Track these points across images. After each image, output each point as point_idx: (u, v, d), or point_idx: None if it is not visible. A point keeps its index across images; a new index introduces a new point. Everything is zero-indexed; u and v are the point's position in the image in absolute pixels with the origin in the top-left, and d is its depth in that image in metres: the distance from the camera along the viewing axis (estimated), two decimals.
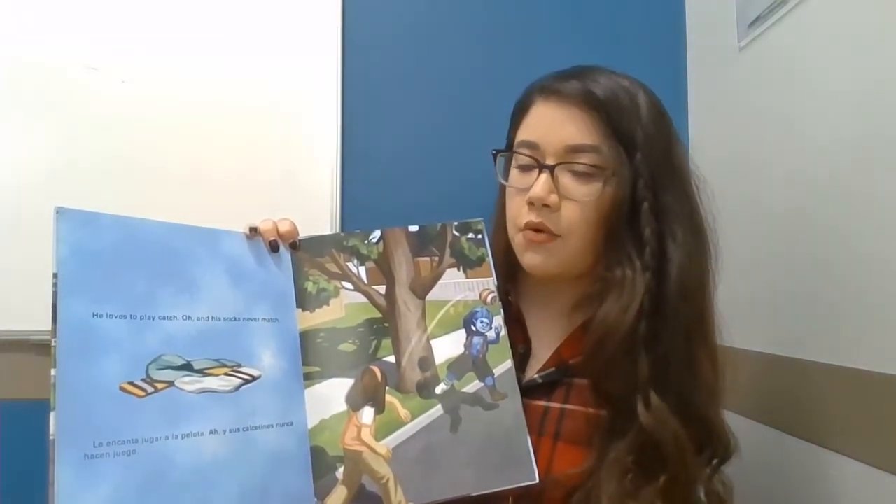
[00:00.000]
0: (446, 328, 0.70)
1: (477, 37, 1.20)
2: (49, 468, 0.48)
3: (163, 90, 1.07)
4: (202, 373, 0.59)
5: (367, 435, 0.65)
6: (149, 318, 0.57)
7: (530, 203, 0.69)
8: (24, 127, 1.02)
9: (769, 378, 0.93)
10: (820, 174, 0.83)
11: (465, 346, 0.70)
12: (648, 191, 0.68)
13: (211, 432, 0.57)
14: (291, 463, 0.62)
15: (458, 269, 0.73)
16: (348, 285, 0.70)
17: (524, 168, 0.72)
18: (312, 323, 0.68)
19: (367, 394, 0.66)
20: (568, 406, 0.70)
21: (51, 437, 0.48)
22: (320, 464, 0.63)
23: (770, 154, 0.95)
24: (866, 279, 0.74)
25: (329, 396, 0.65)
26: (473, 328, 0.71)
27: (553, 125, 0.69)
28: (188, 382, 0.57)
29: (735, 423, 0.72)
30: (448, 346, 0.70)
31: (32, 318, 0.93)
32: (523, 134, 0.73)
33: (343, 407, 0.65)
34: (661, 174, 0.69)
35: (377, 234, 0.73)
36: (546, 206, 0.68)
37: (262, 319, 0.65)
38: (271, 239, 0.68)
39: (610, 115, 0.67)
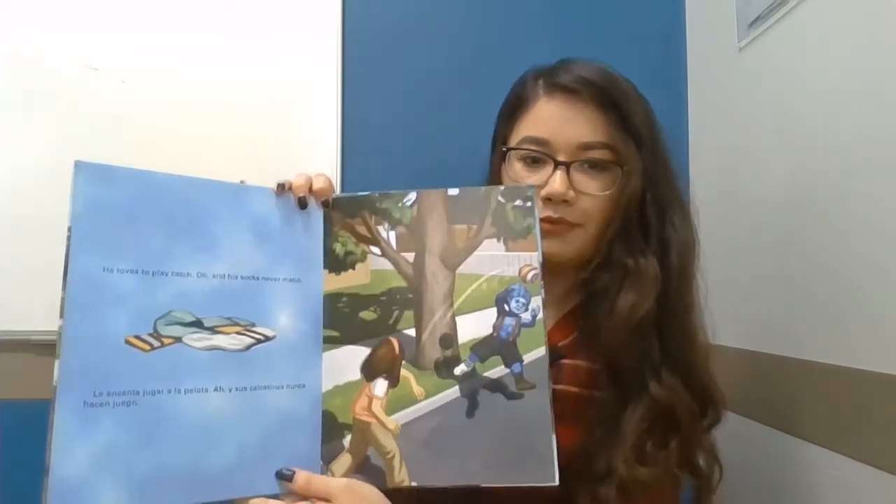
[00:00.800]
0: (475, 305, 0.65)
1: (476, 33, 1.20)
2: (49, 414, 0.51)
3: (163, 90, 1.07)
4: (212, 330, 0.59)
5: (377, 407, 0.63)
6: (161, 273, 0.58)
7: (547, 199, 0.71)
8: (24, 127, 1.03)
9: (766, 377, 0.93)
10: (819, 174, 0.83)
11: (495, 326, 0.64)
12: (651, 181, 0.73)
13: (216, 389, 0.58)
14: (301, 425, 0.62)
15: (498, 241, 0.66)
16: (376, 250, 0.67)
17: (531, 163, 0.75)
18: (336, 286, 0.66)
19: (382, 365, 0.64)
20: (558, 387, 0.68)
21: (53, 384, 0.52)
22: (329, 429, 0.62)
23: (769, 154, 0.95)
24: (866, 279, 0.74)
25: (344, 363, 0.64)
26: (507, 308, 0.64)
27: (564, 123, 0.73)
28: (197, 339, 0.58)
29: (734, 421, 0.76)
30: (474, 325, 0.64)
31: (32, 318, 0.97)
32: (529, 129, 0.75)
33: (357, 375, 0.64)
34: (657, 163, 0.74)
35: (413, 196, 0.67)
36: (564, 201, 0.71)
37: (283, 279, 0.64)
38: (300, 195, 0.66)
39: (622, 112, 0.72)
